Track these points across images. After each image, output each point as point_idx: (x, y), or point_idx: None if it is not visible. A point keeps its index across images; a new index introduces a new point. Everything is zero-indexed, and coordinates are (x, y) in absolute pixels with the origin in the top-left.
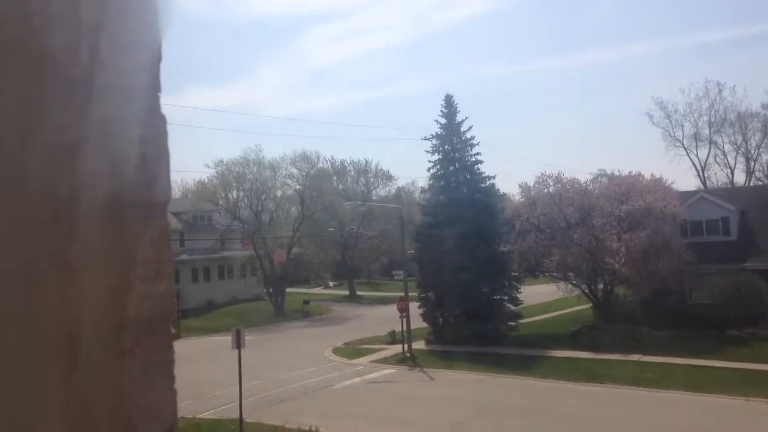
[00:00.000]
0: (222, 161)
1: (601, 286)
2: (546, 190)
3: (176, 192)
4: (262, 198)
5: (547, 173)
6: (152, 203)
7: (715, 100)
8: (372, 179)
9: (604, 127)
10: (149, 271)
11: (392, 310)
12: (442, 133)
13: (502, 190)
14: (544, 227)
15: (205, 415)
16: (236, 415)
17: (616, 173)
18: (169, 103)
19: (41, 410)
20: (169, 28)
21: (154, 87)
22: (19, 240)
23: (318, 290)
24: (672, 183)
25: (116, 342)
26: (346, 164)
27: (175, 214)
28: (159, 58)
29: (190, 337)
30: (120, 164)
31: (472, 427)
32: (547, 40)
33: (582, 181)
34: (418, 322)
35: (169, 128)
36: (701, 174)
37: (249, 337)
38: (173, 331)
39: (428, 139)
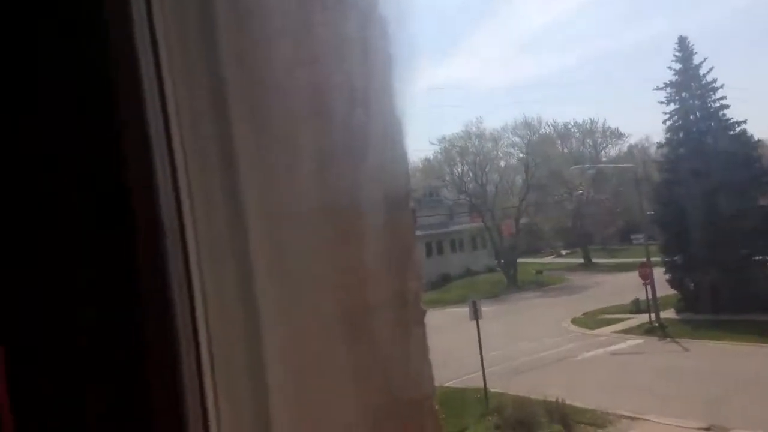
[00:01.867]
0: (444, 137)
1: None
2: None
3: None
4: (486, 170)
5: None
6: (403, 192)
7: None
8: (599, 139)
9: None
10: (406, 253)
11: (632, 277)
12: (677, 80)
13: (756, 137)
14: None
15: (449, 384)
16: (479, 385)
17: None
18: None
19: (329, 380)
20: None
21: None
22: (318, 221)
23: (550, 259)
24: None
25: (389, 318)
26: (570, 126)
27: None
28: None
29: (428, 309)
30: (389, 164)
31: (737, 401)
32: None
33: None
34: (664, 289)
35: None
36: None
37: (485, 308)
38: (423, 307)
39: (661, 89)
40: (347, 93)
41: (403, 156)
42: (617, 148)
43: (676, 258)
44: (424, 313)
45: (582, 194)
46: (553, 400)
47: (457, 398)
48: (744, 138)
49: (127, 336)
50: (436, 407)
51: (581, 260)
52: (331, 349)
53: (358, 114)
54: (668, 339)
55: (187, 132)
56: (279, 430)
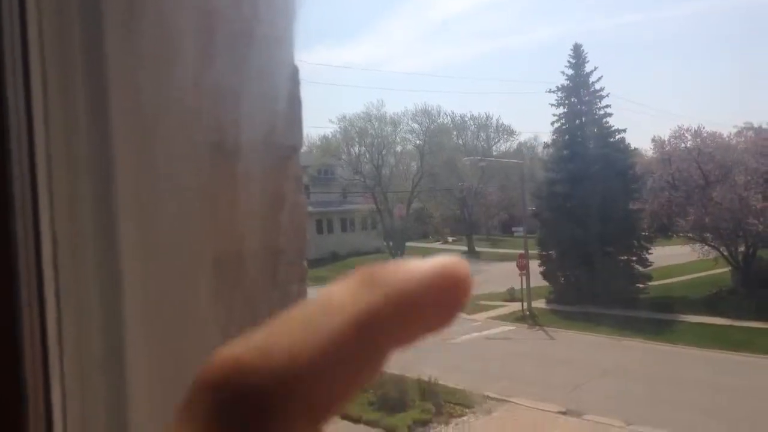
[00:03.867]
0: (345, 117)
1: (742, 248)
2: (683, 145)
3: (302, 146)
4: (383, 153)
5: (685, 127)
6: (293, 145)
7: None
8: (492, 134)
9: (752, 76)
10: (290, 206)
11: (511, 267)
12: (568, 84)
13: (633, 145)
14: (679, 184)
15: None
16: None
17: (764, 126)
18: (297, 60)
19: (196, 333)
20: None
21: (292, 34)
22: (195, 159)
23: (437, 245)
24: None
25: (263, 268)
26: (467, 119)
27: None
28: (296, 11)
29: (313, 286)
30: (272, 103)
31: (594, 388)
32: None
33: (724, 136)
34: (538, 281)
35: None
36: None
37: None
38: (305, 264)
39: (553, 92)
40: (239, 22)
41: (298, 102)
42: (508, 144)
43: (550, 252)
44: (305, 271)
45: (472, 185)
46: (426, 379)
47: None
48: (622, 145)
49: None
50: None
51: (465, 248)
52: (198, 299)
53: (249, 45)
54: (537, 327)
55: (48, 23)
56: (134, 384)
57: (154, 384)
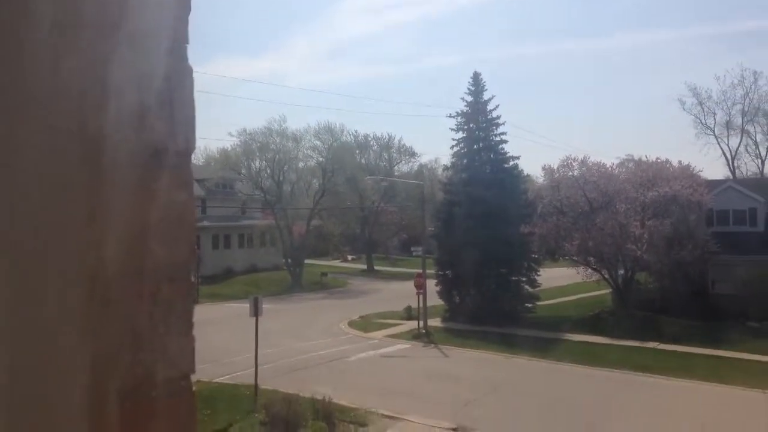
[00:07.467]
0: (246, 130)
1: (621, 272)
2: (570, 173)
3: (199, 159)
4: (284, 168)
5: (573, 156)
6: (177, 150)
7: (750, 88)
8: (395, 155)
9: (633, 112)
10: (171, 213)
11: (409, 286)
12: (467, 111)
13: (525, 172)
14: (566, 210)
15: (221, 380)
16: (251, 381)
17: (644, 159)
18: (197, 71)
19: (61, 346)
20: None
21: (182, 32)
22: (53, 149)
23: (336, 263)
24: (700, 171)
25: (137, 284)
26: (370, 139)
27: (198, 181)
28: (188, 8)
29: (208, 303)
30: (147, 78)
31: (485, 404)
32: (579, 21)
33: (608, 166)
34: (434, 300)
35: (196, 95)
36: (731, 163)
37: (266, 306)
38: (193, 279)
39: (453, 117)
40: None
41: (189, 102)
42: (410, 165)
43: (447, 272)
44: (191, 286)
45: (373, 204)
46: (321, 398)
47: (227, 394)
48: (516, 171)
49: None
50: (193, 387)
51: (365, 266)
52: (70, 317)
53: (121, 15)
54: (432, 345)
55: None
56: None
57: (7, 402)
